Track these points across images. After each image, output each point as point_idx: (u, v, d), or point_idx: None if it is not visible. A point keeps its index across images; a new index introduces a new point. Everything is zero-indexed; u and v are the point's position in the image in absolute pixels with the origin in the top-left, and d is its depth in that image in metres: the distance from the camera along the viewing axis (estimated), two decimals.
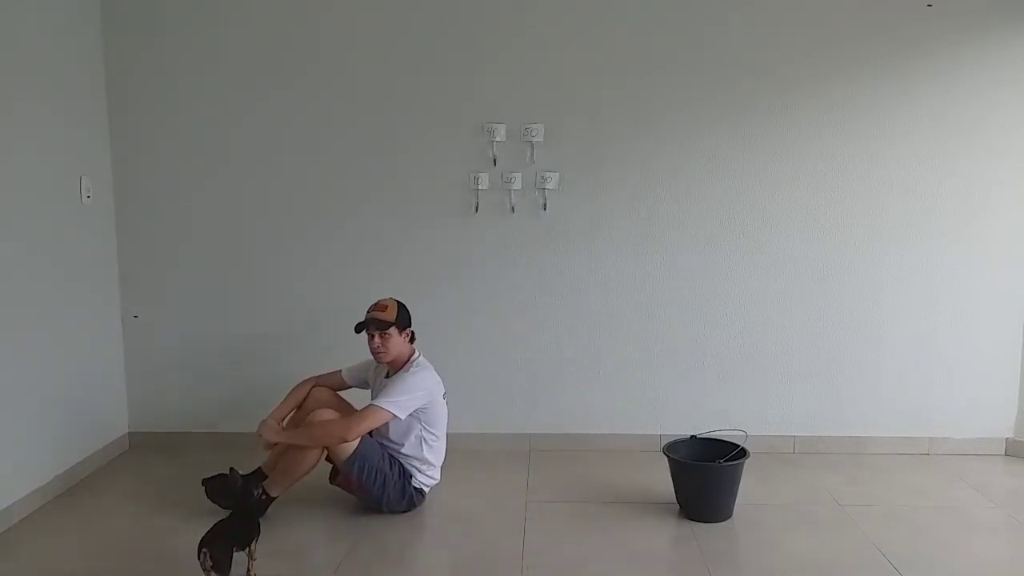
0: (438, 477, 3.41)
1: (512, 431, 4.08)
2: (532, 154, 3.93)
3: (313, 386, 3.45)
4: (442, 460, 3.41)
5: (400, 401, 3.18)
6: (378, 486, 3.19)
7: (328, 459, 3.25)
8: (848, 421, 4.05)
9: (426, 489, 3.37)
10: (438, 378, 3.37)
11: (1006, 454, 4.04)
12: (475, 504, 3.43)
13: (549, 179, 3.92)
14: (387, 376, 3.36)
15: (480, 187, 3.94)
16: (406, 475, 3.28)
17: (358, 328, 3.28)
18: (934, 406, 4.03)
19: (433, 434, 3.33)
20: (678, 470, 3.32)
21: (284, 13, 3.91)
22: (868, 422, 4.04)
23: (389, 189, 3.99)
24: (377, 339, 3.27)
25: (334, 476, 3.34)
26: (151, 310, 4.08)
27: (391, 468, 3.23)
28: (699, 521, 3.23)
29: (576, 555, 2.94)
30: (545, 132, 3.90)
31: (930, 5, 3.80)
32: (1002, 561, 3.04)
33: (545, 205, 3.96)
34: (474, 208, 3.97)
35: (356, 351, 3.56)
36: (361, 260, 4.02)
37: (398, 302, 3.34)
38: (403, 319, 3.32)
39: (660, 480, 3.44)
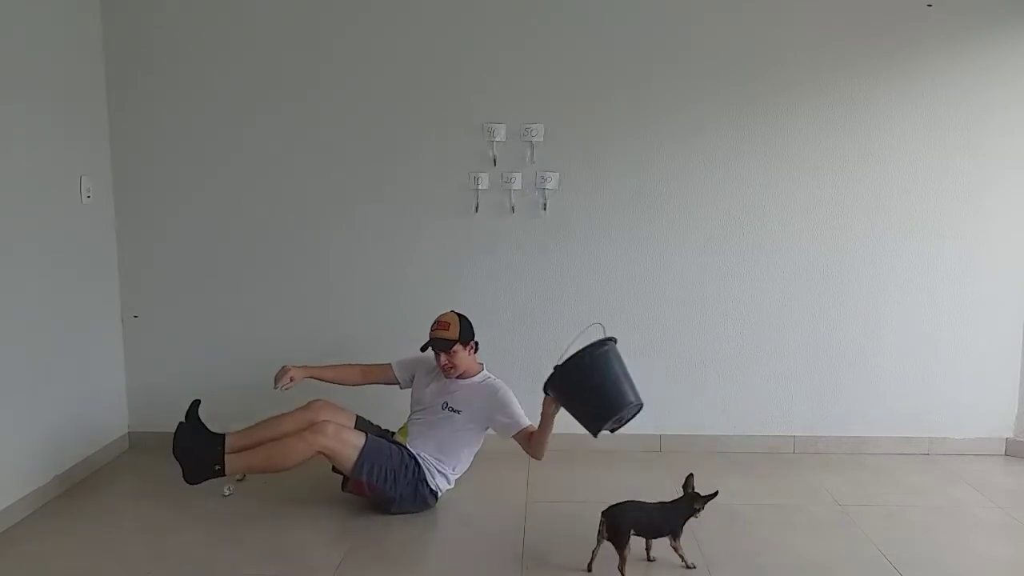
0: (453, 484, 3.39)
1: None
2: (532, 154, 3.93)
3: (361, 371, 3.55)
4: (465, 468, 3.45)
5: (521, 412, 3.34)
6: (389, 484, 3.18)
7: (335, 471, 3.25)
8: (848, 421, 4.05)
9: (440, 492, 3.34)
10: None
11: (1006, 454, 4.04)
12: (475, 504, 3.43)
13: (549, 179, 3.92)
14: (456, 377, 3.43)
15: (480, 187, 3.94)
16: (420, 474, 3.25)
17: (423, 348, 3.37)
18: (934, 406, 4.03)
19: (478, 439, 3.44)
20: (563, 394, 3.07)
21: (284, 13, 3.91)
22: (868, 422, 4.05)
23: (389, 189, 3.99)
24: (444, 358, 3.36)
25: (345, 484, 3.31)
26: (151, 310, 4.08)
27: (402, 466, 3.21)
28: (617, 424, 3.07)
29: (576, 555, 2.94)
30: (545, 132, 3.90)
31: (930, 5, 3.80)
32: (1002, 561, 3.04)
33: (545, 205, 3.96)
34: (474, 208, 3.97)
35: (356, 351, 3.57)
36: (361, 260, 4.02)
37: (458, 315, 3.40)
38: (465, 334, 3.38)
39: (660, 480, 3.43)
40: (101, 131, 3.92)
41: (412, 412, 3.49)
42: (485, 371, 3.51)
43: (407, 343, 3.68)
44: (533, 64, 3.90)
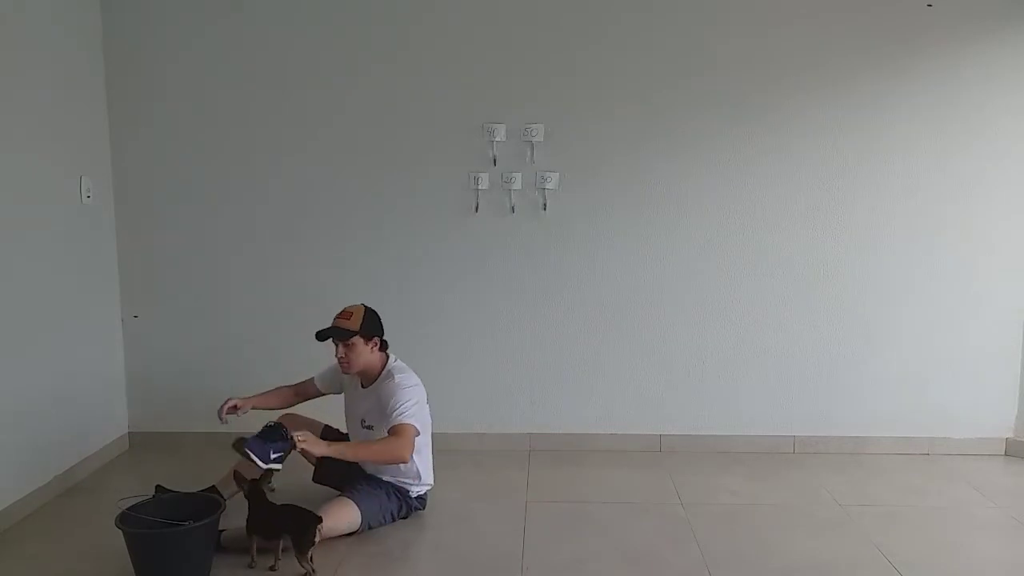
0: (432, 481, 3.32)
1: (512, 431, 4.09)
2: (532, 154, 3.93)
3: (294, 392, 3.39)
4: (431, 465, 3.30)
5: (413, 412, 3.06)
6: (387, 520, 3.17)
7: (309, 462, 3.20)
8: (848, 421, 4.05)
9: (425, 494, 3.30)
10: (420, 379, 3.24)
11: (1006, 454, 4.04)
12: (475, 504, 3.43)
13: (549, 179, 3.92)
14: (363, 387, 3.24)
15: (480, 187, 3.94)
16: (402, 493, 3.21)
17: (320, 336, 3.11)
18: (934, 406, 4.03)
19: (422, 440, 3.20)
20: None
21: (284, 13, 3.91)
22: (868, 422, 4.04)
23: (389, 189, 3.99)
24: (341, 349, 3.13)
25: (316, 474, 3.31)
26: (151, 310, 4.08)
27: (388, 498, 3.17)
28: None
29: (576, 555, 2.94)
30: (545, 132, 3.90)
31: (930, 5, 3.80)
32: (1002, 561, 3.03)
33: (545, 205, 3.96)
34: (474, 208, 3.97)
35: None
36: (361, 260, 4.02)
37: (367, 308, 3.18)
38: (369, 328, 3.13)
39: (660, 480, 3.44)
40: (101, 131, 3.92)
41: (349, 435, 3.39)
42: (389, 365, 3.22)
43: (406, 342, 3.66)
44: (533, 64, 3.90)
